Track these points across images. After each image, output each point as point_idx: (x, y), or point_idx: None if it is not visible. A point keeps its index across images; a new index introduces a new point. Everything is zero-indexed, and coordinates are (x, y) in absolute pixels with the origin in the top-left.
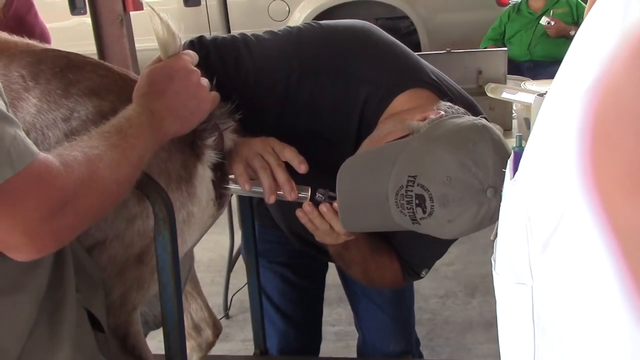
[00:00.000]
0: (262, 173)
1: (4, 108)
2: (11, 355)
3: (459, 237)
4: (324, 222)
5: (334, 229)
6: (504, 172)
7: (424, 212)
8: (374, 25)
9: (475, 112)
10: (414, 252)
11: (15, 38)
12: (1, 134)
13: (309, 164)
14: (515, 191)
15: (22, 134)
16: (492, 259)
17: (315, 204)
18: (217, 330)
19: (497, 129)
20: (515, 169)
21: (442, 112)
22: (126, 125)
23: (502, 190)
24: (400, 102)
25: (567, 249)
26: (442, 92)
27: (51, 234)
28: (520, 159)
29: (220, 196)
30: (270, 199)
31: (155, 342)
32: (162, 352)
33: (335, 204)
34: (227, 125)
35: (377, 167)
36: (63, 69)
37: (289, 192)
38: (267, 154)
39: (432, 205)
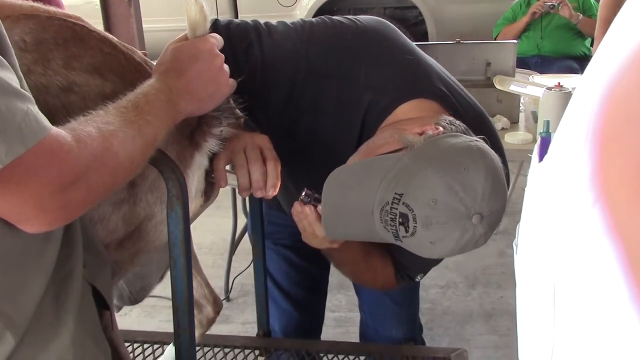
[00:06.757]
0: (239, 170)
1: (16, 83)
2: (20, 328)
3: (443, 258)
4: (309, 225)
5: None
6: (493, 198)
7: (407, 231)
8: (390, 25)
9: (483, 123)
10: (410, 258)
11: (20, 1)
12: (12, 109)
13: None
14: (543, 175)
15: (35, 109)
16: (513, 244)
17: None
18: (217, 306)
19: (493, 154)
20: (541, 153)
21: (441, 129)
22: (143, 101)
23: (488, 217)
24: (403, 111)
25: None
26: (448, 103)
27: (61, 207)
28: (546, 143)
29: (208, 189)
30: (242, 194)
31: (155, 321)
32: (163, 330)
33: (319, 208)
34: (231, 120)
35: (365, 180)
36: (67, 41)
37: (256, 190)
38: (250, 150)
39: (415, 226)
